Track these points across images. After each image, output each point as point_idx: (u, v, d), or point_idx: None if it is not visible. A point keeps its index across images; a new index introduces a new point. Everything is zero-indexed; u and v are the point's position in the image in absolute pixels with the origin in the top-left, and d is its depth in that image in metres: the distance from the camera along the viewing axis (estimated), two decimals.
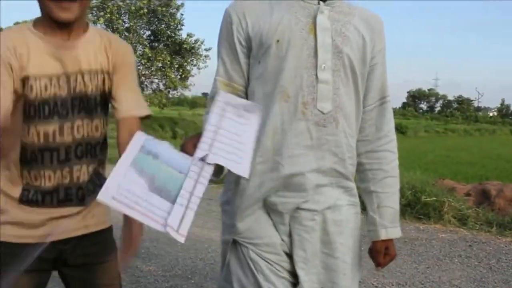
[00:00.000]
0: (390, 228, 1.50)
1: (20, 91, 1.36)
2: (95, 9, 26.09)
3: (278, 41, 1.36)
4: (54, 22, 1.36)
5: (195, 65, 28.80)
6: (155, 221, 1.08)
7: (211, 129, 1.27)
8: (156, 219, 1.08)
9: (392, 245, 1.53)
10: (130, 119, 1.47)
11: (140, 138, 1.21)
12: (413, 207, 5.70)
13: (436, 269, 4.05)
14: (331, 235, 1.43)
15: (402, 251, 4.40)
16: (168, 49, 27.29)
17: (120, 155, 1.26)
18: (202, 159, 1.20)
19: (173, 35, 27.42)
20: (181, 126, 29.06)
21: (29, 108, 1.38)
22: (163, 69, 27.32)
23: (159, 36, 27.15)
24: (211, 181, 1.21)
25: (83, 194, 1.47)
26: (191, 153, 1.22)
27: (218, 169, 1.23)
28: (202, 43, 28.53)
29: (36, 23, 1.40)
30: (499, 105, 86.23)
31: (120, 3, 25.70)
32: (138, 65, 27.34)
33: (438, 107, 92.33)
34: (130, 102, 1.49)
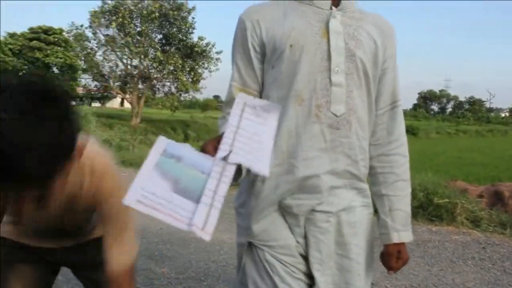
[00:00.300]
0: (402, 231, 1.50)
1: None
2: (107, 13, 26.29)
3: (291, 46, 1.38)
4: None
5: (206, 68, 28.97)
6: (180, 221, 1.09)
7: (232, 130, 1.28)
8: (181, 219, 1.09)
9: (405, 248, 1.52)
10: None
11: (162, 142, 1.23)
12: (425, 209, 5.66)
13: (449, 272, 4.02)
14: (346, 236, 1.44)
15: (415, 253, 4.39)
16: (180, 53, 27.45)
17: None
18: (224, 159, 1.21)
19: (184, 38, 27.58)
20: (193, 129, 29.18)
21: None
22: (175, 72, 27.48)
23: (171, 40, 27.33)
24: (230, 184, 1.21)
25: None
26: (211, 154, 1.23)
27: (237, 173, 1.23)
28: (213, 46, 28.70)
29: None
30: (511, 106, 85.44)
31: (132, 8, 25.90)
32: (150, 69, 27.54)
33: (449, 108, 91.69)
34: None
